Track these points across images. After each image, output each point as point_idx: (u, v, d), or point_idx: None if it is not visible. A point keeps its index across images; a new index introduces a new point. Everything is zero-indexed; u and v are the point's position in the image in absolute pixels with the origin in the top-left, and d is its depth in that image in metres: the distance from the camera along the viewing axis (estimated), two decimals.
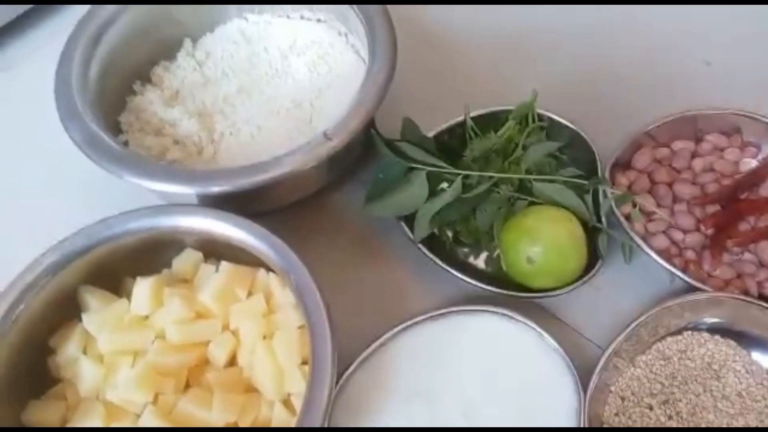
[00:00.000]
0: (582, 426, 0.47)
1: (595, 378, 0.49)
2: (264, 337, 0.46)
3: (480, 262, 0.58)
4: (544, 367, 0.49)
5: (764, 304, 0.51)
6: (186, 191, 0.47)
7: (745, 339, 0.52)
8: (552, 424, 0.47)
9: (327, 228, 0.59)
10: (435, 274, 0.55)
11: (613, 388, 0.51)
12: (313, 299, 0.43)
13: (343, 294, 0.55)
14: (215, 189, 0.46)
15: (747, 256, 0.56)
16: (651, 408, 0.51)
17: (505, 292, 0.53)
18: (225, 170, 0.49)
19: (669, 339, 0.53)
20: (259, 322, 0.46)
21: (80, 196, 0.60)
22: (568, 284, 0.52)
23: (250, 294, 0.48)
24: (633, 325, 0.51)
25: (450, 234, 0.58)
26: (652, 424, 0.50)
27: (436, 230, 0.57)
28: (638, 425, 0.50)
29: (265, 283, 0.48)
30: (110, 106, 0.57)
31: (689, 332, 0.53)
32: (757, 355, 0.52)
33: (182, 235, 0.48)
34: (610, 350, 0.50)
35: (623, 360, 0.51)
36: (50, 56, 0.55)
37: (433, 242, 0.56)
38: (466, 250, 0.58)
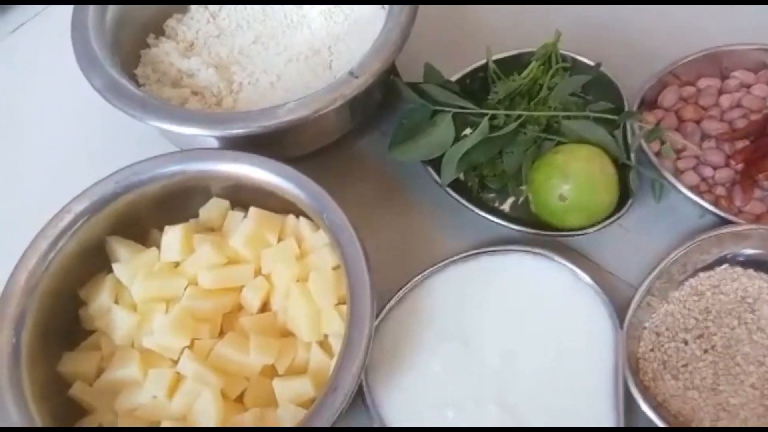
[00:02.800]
0: (620, 361, 0.47)
1: (629, 315, 0.49)
2: (297, 281, 0.45)
3: (506, 207, 0.57)
4: (579, 304, 0.49)
5: None
6: (210, 133, 0.46)
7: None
8: (591, 360, 0.47)
9: (352, 175, 0.58)
10: (463, 218, 0.54)
11: (647, 325, 0.51)
12: (348, 237, 0.42)
13: (372, 239, 0.54)
14: (243, 130, 0.45)
15: None
16: (686, 342, 0.50)
17: (535, 231, 0.52)
18: (250, 112, 0.48)
19: (701, 275, 0.53)
20: (292, 266, 0.45)
21: (100, 147, 0.60)
22: (599, 222, 0.52)
23: (280, 239, 0.48)
24: (665, 262, 0.50)
25: (477, 180, 0.57)
26: (687, 358, 0.50)
27: (462, 176, 0.57)
28: (674, 360, 0.50)
29: (295, 228, 0.48)
30: (126, 59, 0.55)
31: (722, 267, 0.53)
32: None
33: (209, 181, 0.47)
34: (643, 288, 0.50)
35: (656, 298, 0.51)
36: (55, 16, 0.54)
37: (459, 189, 0.55)
38: (492, 195, 0.58)
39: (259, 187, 0.46)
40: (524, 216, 0.56)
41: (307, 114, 0.46)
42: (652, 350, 0.50)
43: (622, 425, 0.44)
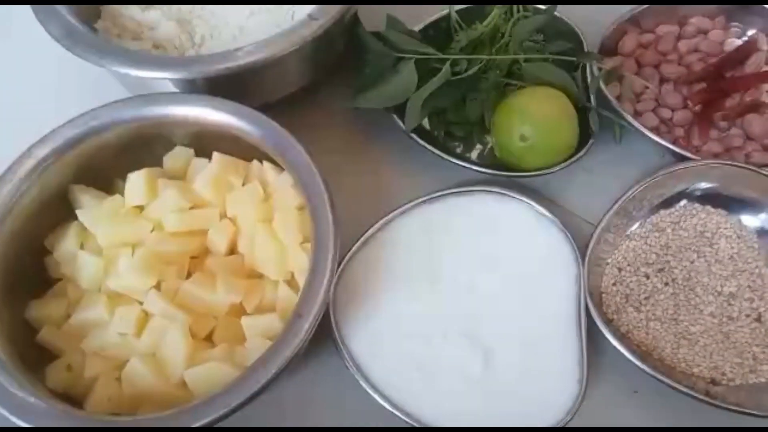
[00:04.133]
0: (583, 293, 0.48)
1: (590, 250, 0.50)
2: (263, 222, 0.46)
3: (473, 156, 0.58)
4: (542, 240, 0.50)
5: (746, 166, 0.52)
6: (169, 76, 0.45)
7: (733, 204, 0.53)
8: (555, 294, 0.48)
9: (319, 125, 0.58)
10: (429, 163, 0.55)
11: (609, 261, 0.52)
12: (310, 175, 0.43)
13: (339, 185, 0.54)
14: (201, 73, 0.45)
15: (734, 130, 0.57)
16: (648, 276, 0.52)
17: (498, 173, 0.53)
18: (209, 55, 0.48)
19: (662, 212, 0.54)
20: (256, 208, 0.46)
21: (56, 98, 0.59)
22: (561, 163, 0.53)
23: (245, 184, 0.48)
24: (622, 199, 0.51)
25: (443, 128, 0.58)
26: (648, 291, 0.51)
27: (427, 125, 0.57)
28: (636, 293, 0.51)
29: (260, 172, 0.48)
30: (85, 13, 0.55)
31: (681, 204, 0.54)
32: (746, 219, 0.53)
33: (170, 127, 0.47)
34: (602, 224, 0.51)
35: (615, 235, 0.52)
36: None
37: (425, 137, 0.56)
38: (457, 144, 0.58)
39: (219, 131, 0.46)
40: (491, 164, 0.57)
41: (266, 56, 0.46)
42: (614, 284, 0.52)
43: (585, 355, 0.45)
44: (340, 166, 0.56)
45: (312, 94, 0.59)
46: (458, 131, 0.57)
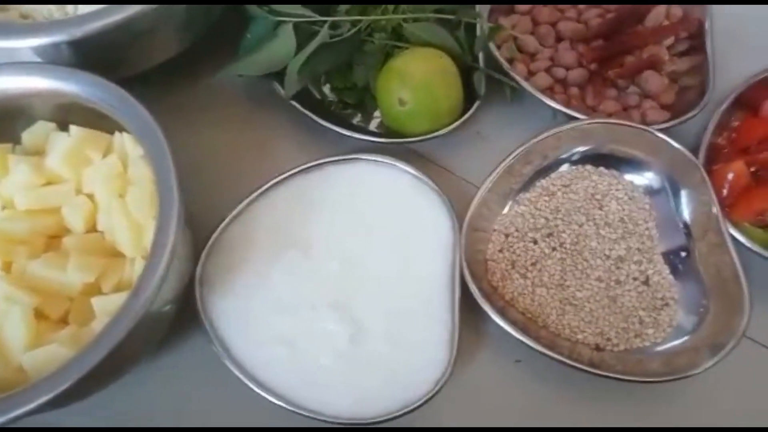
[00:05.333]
0: (458, 262, 0.46)
1: (469, 217, 0.48)
2: (118, 197, 0.44)
3: (372, 126, 0.56)
4: (420, 207, 0.48)
5: (632, 124, 0.50)
6: (15, 45, 0.43)
7: (625, 165, 0.52)
8: (430, 262, 0.46)
9: (199, 95, 0.55)
10: (315, 133, 0.53)
11: (496, 227, 0.51)
12: (156, 143, 0.41)
13: (218, 156, 0.53)
14: (49, 39, 0.43)
15: (632, 89, 0.55)
16: (535, 242, 0.50)
17: (380, 140, 0.51)
18: (62, 20, 0.45)
19: (553, 175, 0.52)
20: (112, 183, 0.44)
21: None
22: (446, 127, 0.51)
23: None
24: (503, 163, 0.50)
25: (334, 96, 0.56)
26: (536, 257, 0.50)
27: (317, 93, 0.55)
28: (522, 259, 0.49)
29: (120, 145, 0.46)
30: None
31: (572, 167, 0.52)
32: (638, 179, 0.51)
33: (28, 99, 0.45)
34: (482, 190, 0.49)
35: (502, 200, 0.51)
36: None
37: (318, 107, 0.54)
38: (350, 111, 0.56)
39: (75, 103, 0.43)
40: (388, 132, 0.55)
41: (120, 18, 0.43)
42: (500, 251, 0.50)
43: (457, 325, 0.44)
44: (220, 136, 0.55)
45: (193, 64, 0.56)
46: (349, 97, 0.55)
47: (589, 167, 0.52)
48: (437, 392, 0.42)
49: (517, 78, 0.52)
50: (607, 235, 0.50)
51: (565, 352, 0.46)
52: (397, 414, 0.41)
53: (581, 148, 0.51)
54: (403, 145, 0.53)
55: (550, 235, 0.51)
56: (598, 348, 0.47)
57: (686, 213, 0.50)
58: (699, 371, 0.43)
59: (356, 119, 0.56)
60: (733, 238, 0.47)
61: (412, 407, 0.41)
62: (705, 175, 0.48)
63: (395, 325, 0.44)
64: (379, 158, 0.49)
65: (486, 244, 0.50)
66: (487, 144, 0.55)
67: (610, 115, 0.54)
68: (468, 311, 0.46)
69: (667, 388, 0.46)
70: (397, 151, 0.52)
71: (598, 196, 0.51)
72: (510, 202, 0.51)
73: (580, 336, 0.47)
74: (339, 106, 0.56)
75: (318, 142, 0.54)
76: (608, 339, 0.47)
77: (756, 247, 0.47)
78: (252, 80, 0.54)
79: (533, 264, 0.50)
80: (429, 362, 0.43)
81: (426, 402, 0.41)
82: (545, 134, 0.50)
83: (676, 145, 0.49)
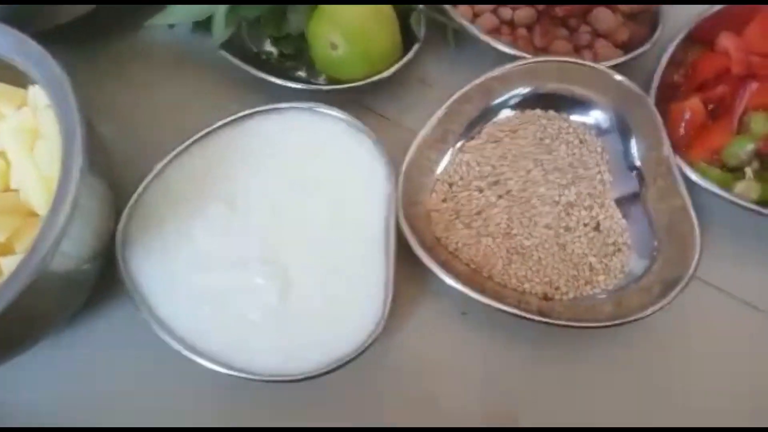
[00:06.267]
0: (392, 211, 0.44)
1: (406, 162, 0.45)
2: (29, 152, 0.41)
3: (321, 79, 0.53)
4: (355, 156, 0.45)
5: (582, 62, 0.47)
6: None
7: (575, 107, 0.49)
8: (365, 213, 0.44)
9: (125, 50, 0.53)
10: (248, 85, 0.50)
11: (440, 176, 0.48)
12: (63, 95, 0.38)
13: (144, 113, 0.51)
14: None
15: (583, 27, 0.52)
16: (481, 190, 0.48)
17: (310, 86, 0.49)
18: None
19: (499, 120, 0.50)
20: (24, 137, 0.41)
21: None
22: (382, 71, 0.48)
23: None
24: (445, 105, 0.47)
25: (275, 50, 0.53)
26: (481, 206, 0.47)
27: (253, 46, 0.53)
28: (466, 208, 0.47)
29: (33, 99, 0.43)
30: None
31: (521, 111, 0.50)
32: (589, 120, 0.49)
33: None
34: (422, 133, 0.46)
35: (443, 143, 0.48)
36: None
37: (258, 62, 0.51)
38: (292, 63, 0.53)
39: None
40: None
41: None
42: (444, 201, 0.48)
43: (391, 279, 0.41)
44: (151, 94, 0.52)
45: (119, 17, 0.53)
46: (286, 48, 0.52)
47: (538, 111, 0.49)
48: (369, 346, 0.39)
49: (457, 18, 0.49)
50: (556, 181, 0.48)
51: (512, 302, 0.43)
52: (328, 369, 0.39)
53: (526, 89, 0.49)
54: (343, 94, 0.51)
55: (496, 182, 0.48)
56: (546, 297, 0.45)
57: (638, 155, 0.47)
58: (649, 313, 0.41)
59: (301, 72, 0.53)
60: (687, 179, 0.45)
61: (343, 362, 0.39)
62: (656, 113, 0.46)
63: (327, 278, 0.42)
64: (312, 106, 0.46)
65: (429, 195, 0.48)
66: (431, 91, 0.52)
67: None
68: (412, 264, 0.43)
69: (620, 333, 0.43)
70: (335, 100, 0.49)
71: (547, 141, 0.49)
72: (453, 150, 0.49)
73: (527, 285, 0.45)
74: (279, 59, 0.53)
75: (253, 94, 0.50)
76: (557, 288, 0.45)
77: (711, 186, 0.44)
78: (185, 34, 0.51)
79: (478, 213, 0.47)
80: (362, 315, 0.41)
81: (357, 356, 0.39)
82: (486, 76, 0.47)
83: (626, 82, 0.46)
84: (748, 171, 0.47)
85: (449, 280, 0.43)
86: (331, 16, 0.46)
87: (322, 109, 0.46)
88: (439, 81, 0.52)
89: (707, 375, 0.44)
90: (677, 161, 0.45)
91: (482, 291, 0.43)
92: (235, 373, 0.40)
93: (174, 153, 0.45)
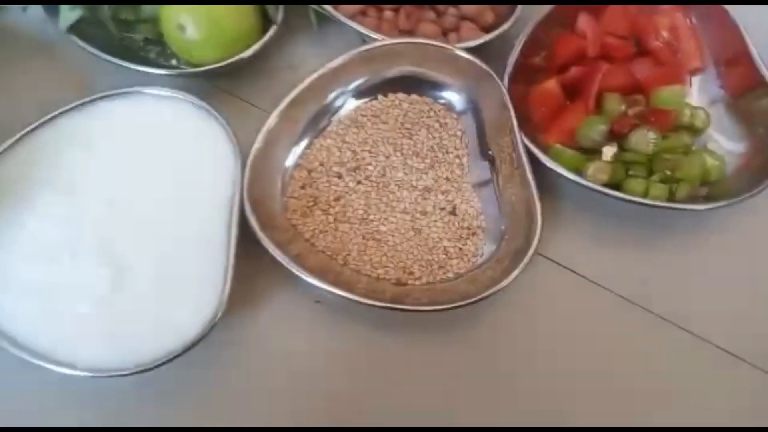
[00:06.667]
0: (237, 199, 0.43)
1: (255, 147, 0.44)
2: None
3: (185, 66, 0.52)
4: (202, 142, 0.44)
5: (434, 43, 0.47)
6: None
7: (437, 90, 0.48)
8: (209, 199, 0.43)
9: None
10: (101, 71, 0.48)
11: (299, 162, 0.48)
12: None
13: None
14: None
15: (451, 10, 0.52)
16: (340, 176, 0.47)
17: (172, 71, 0.47)
18: None
19: (363, 104, 0.49)
20: None
21: None
22: (237, 53, 0.47)
23: None
24: (298, 89, 0.46)
25: (139, 36, 0.51)
26: (340, 191, 0.47)
27: (114, 29, 0.51)
28: (325, 195, 0.46)
29: None
30: None
31: (384, 96, 0.49)
32: (450, 104, 0.48)
33: None
34: (270, 120, 0.45)
35: (299, 128, 0.47)
36: None
37: (127, 52, 0.49)
38: (157, 49, 0.52)
39: None
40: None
41: None
42: (303, 188, 0.47)
43: (231, 266, 0.40)
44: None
45: None
46: (146, 33, 0.51)
47: (400, 95, 0.49)
48: (204, 337, 0.39)
49: (321, 2, 0.49)
50: (415, 165, 0.47)
51: (363, 290, 0.43)
52: (163, 361, 0.38)
53: (387, 72, 0.48)
54: (206, 78, 0.50)
55: (356, 168, 0.47)
56: (399, 282, 0.45)
57: (490, 137, 0.47)
58: (487, 294, 0.41)
59: (172, 59, 0.52)
60: (538, 161, 0.45)
61: (177, 353, 0.38)
62: (506, 96, 0.45)
63: (166, 267, 0.41)
64: (160, 91, 0.45)
65: (288, 182, 0.47)
66: (296, 75, 0.51)
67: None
68: (266, 252, 0.43)
69: (472, 313, 0.44)
70: (198, 85, 0.48)
71: (408, 125, 0.48)
72: (312, 135, 0.48)
73: (381, 271, 0.45)
74: (143, 45, 0.51)
75: (106, 79, 0.49)
76: (411, 273, 0.45)
77: (558, 168, 0.44)
78: (43, 19, 0.49)
79: (337, 199, 0.47)
80: (200, 305, 0.40)
81: (192, 347, 0.38)
82: (339, 59, 0.46)
83: (478, 63, 0.46)
84: (608, 152, 0.47)
85: (295, 269, 0.42)
86: None
87: (168, 93, 0.45)
88: (305, 64, 0.51)
89: (555, 354, 0.44)
90: (527, 143, 0.45)
91: (335, 279, 0.43)
92: (58, 368, 0.38)
93: (7, 143, 0.43)
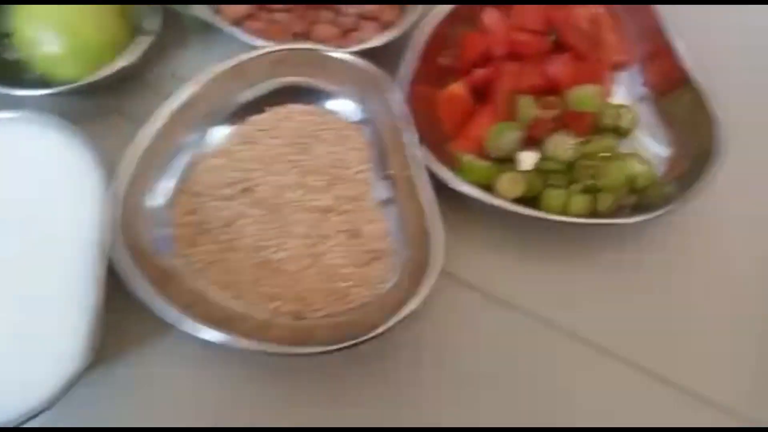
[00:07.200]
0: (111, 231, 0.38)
1: (127, 174, 0.39)
2: None
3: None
4: (64, 169, 0.39)
5: (318, 48, 0.42)
6: None
7: (336, 99, 0.44)
8: (71, 234, 0.37)
9: None
10: None
11: (183, 187, 0.43)
12: None
13: None
14: None
15: (351, 10, 0.47)
16: (230, 199, 0.43)
17: (34, 92, 0.42)
18: None
19: (255, 120, 0.44)
20: None
21: None
22: (102, 69, 0.42)
23: None
24: (170, 105, 0.41)
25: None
26: (231, 216, 0.42)
27: None
28: (214, 221, 0.42)
29: None
30: None
31: (278, 108, 0.45)
32: (351, 115, 0.44)
33: None
34: (143, 139, 0.40)
35: (179, 148, 0.43)
36: None
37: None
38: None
39: None
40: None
41: None
42: (189, 214, 0.42)
43: (98, 311, 0.36)
44: None
45: None
46: (11, 52, 0.45)
47: (294, 106, 0.44)
48: (63, 394, 0.34)
49: (197, 7, 0.44)
50: (313, 184, 0.43)
51: (252, 328, 0.39)
52: (19, 422, 0.34)
53: (277, 82, 0.44)
54: (85, 97, 0.45)
55: (248, 189, 0.43)
56: (297, 315, 0.40)
57: (391, 150, 0.43)
58: (388, 326, 0.36)
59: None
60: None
61: (34, 413, 0.34)
62: (401, 103, 0.41)
63: (20, 318, 0.36)
64: (15, 114, 0.40)
65: (172, 209, 0.42)
66: (160, 81, 0.46)
67: (325, 42, 0.46)
68: None
69: (377, 343, 0.39)
70: (71, 104, 0.43)
71: (304, 139, 0.44)
72: (198, 155, 0.43)
73: (276, 304, 0.41)
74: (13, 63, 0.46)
75: None
76: (309, 305, 0.41)
77: (463, 187, 0.40)
78: None
79: (227, 225, 0.42)
80: (61, 358, 0.35)
81: (50, 406, 0.34)
82: (214, 71, 0.41)
83: (367, 68, 0.42)
84: (528, 159, 0.43)
85: (171, 316, 0.37)
86: (30, 11, 0.40)
87: (18, 115, 0.39)
88: (188, 74, 0.46)
89: (468, 376, 0.41)
90: (427, 157, 0.41)
91: (218, 320, 0.38)
92: None
93: None
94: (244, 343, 0.37)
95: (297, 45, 0.42)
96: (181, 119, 0.42)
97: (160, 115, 0.41)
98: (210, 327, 0.37)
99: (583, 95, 0.42)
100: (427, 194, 0.39)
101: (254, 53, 0.42)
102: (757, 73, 0.49)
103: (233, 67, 0.42)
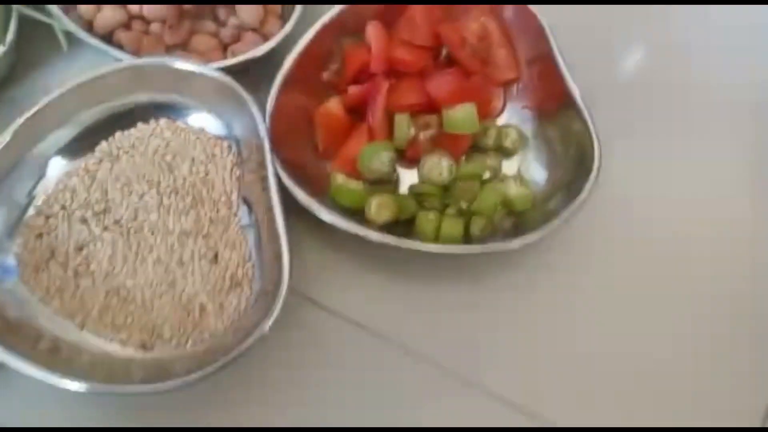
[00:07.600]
0: None
1: None
2: None
3: None
4: None
5: (175, 64, 0.39)
6: None
7: (195, 114, 0.41)
8: None
9: None
10: None
11: (37, 207, 0.40)
12: None
13: None
14: None
15: (231, 21, 0.45)
16: (85, 221, 0.40)
17: None
18: None
19: (119, 136, 0.42)
20: None
21: None
22: None
23: None
24: (20, 120, 0.38)
25: None
26: (83, 240, 0.39)
27: None
28: (64, 244, 0.39)
29: None
30: None
31: (144, 124, 0.42)
32: (217, 132, 0.41)
33: None
34: None
35: (30, 166, 0.40)
36: None
37: None
38: None
39: None
40: None
41: None
42: (39, 237, 0.40)
43: None
44: None
45: None
46: None
47: (163, 122, 0.42)
48: None
49: (62, 17, 0.41)
50: (174, 204, 0.40)
51: (107, 366, 0.36)
52: None
53: (141, 97, 0.41)
54: None
55: (104, 211, 0.40)
56: (144, 347, 0.37)
57: (253, 170, 0.40)
58: (232, 357, 0.33)
59: None
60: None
61: None
62: (259, 121, 0.38)
63: None
64: None
65: (16, 230, 0.39)
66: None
67: (203, 55, 0.44)
68: None
69: (231, 374, 0.36)
70: None
71: (168, 158, 0.41)
72: (54, 173, 0.41)
73: (123, 335, 0.37)
74: None
75: None
76: (159, 335, 0.38)
77: (324, 213, 0.37)
78: None
79: (79, 249, 0.39)
80: None
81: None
82: (68, 86, 0.39)
83: (231, 84, 0.39)
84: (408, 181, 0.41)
85: None
86: None
87: None
88: (34, 84, 0.44)
89: (325, 403, 0.38)
90: (290, 176, 0.38)
91: (68, 356, 0.35)
92: None
93: None
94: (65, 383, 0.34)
95: (153, 60, 0.40)
96: (31, 133, 0.39)
97: (10, 129, 0.38)
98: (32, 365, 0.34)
99: (457, 115, 0.39)
100: (279, 218, 0.36)
101: (113, 67, 0.39)
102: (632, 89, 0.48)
103: (91, 80, 0.39)
